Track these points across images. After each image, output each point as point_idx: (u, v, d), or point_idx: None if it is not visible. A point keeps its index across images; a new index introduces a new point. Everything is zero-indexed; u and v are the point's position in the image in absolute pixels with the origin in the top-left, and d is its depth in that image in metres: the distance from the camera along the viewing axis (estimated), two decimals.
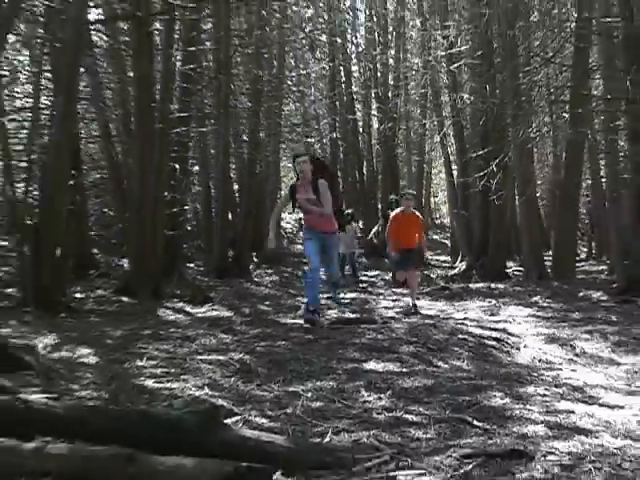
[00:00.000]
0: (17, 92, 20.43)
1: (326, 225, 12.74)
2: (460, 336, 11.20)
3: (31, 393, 6.63)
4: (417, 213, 16.29)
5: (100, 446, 5.03)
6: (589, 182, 26.40)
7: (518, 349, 10.67)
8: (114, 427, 5.47)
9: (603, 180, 24.64)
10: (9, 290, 14.01)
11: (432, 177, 36.94)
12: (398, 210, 16.26)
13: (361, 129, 33.11)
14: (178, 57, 17.82)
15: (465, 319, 13.48)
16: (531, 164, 23.56)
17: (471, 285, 20.14)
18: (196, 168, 22.06)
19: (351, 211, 24.17)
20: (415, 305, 15.17)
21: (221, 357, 9.49)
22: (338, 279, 13.10)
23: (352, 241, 21.57)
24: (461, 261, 25.63)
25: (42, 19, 16.57)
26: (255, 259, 23.02)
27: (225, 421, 5.80)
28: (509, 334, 11.77)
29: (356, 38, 33.55)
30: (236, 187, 23.11)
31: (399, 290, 18.87)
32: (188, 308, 14.15)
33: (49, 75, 16.08)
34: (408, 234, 15.55)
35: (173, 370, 8.79)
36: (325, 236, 12.76)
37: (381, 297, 17.73)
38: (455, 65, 24.22)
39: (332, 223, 12.73)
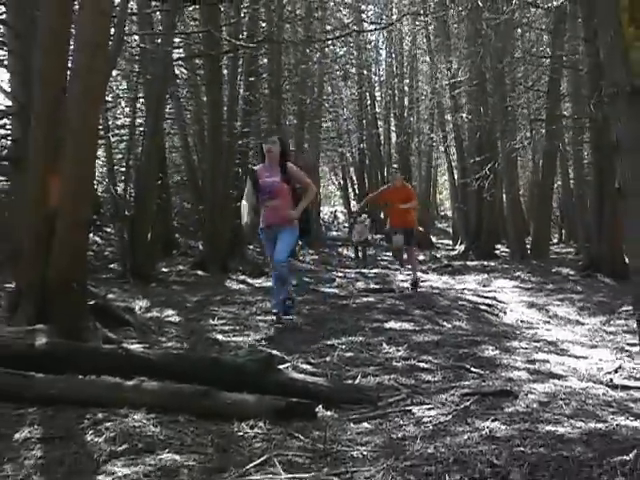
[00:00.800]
0: (118, 114, 20.48)
1: (282, 217, 9.19)
2: (460, 302, 11.18)
3: (130, 343, 6.69)
4: (408, 186, 14.47)
5: (183, 384, 5.06)
6: (560, 183, 26.33)
7: (505, 312, 10.64)
8: (193, 370, 5.50)
9: (571, 182, 24.67)
10: (112, 265, 14.08)
11: (438, 179, 36.75)
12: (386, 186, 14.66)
13: (382, 141, 32.99)
14: (241, 85, 17.80)
15: (464, 289, 13.46)
16: (515, 169, 23.47)
17: (468, 263, 20.08)
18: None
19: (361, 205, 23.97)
20: (416, 282, 13.27)
21: (274, 317, 9.51)
22: (285, 274, 9.15)
23: (364, 230, 20.63)
24: (460, 244, 25.57)
25: (137, 57, 16.60)
26: (300, 242, 23.02)
27: (278, 367, 5.79)
28: (498, 301, 11.73)
29: (379, 70, 33.50)
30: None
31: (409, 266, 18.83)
32: (248, 280, 14.20)
33: (142, 100, 16.12)
34: (400, 211, 13.19)
35: (237, 327, 8.84)
36: (279, 228, 9.28)
37: (398, 272, 17.65)
38: (456, 91, 24.24)
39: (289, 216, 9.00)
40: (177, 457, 4.12)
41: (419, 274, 15.96)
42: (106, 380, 5.13)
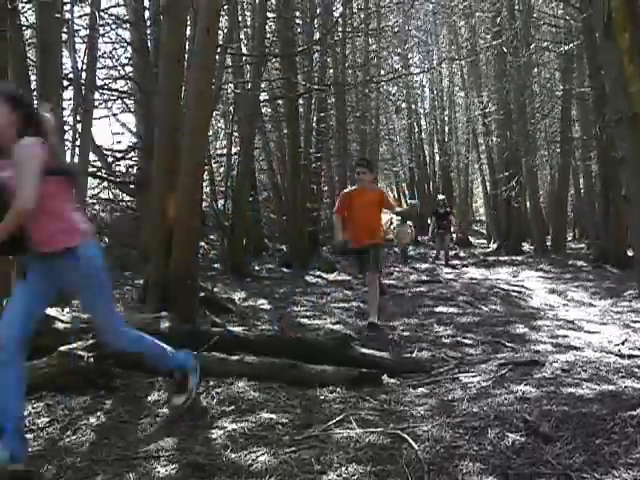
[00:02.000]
0: (218, 145, 20.74)
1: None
2: (495, 290, 11.06)
3: (233, 326, 6.77)
4: (377, 188, 9.30)
5: (275, 359, 5.10)
6: (573, 192, 25.89)
7: (531, 297, 10.46)
8: (283, 347, 5.54)
9: (582, 190, 24.28)
10: (216, 265, 14.25)
11: (473, 190, 36.29)
12: (352, 188, 8.30)
13: (428, 161, 32.75)
14: (314, 120, 17.87)
15: (497, 279, 13.26)
16: (536, 181, 23.11)
17: (500, 258, 19.79)
18: (325, 188, 22.07)
19: (402, 210, 23.46)
20: (374, 324, 7.32)
21: (346, 305, 9.54)
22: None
23: (405, 235, 19.20)
24: (493, 243, 25.21)
25: (232, 100, 16.79)
26: None
27: (351, 344, 5.81)
28: (525, 288, 11.55)
29: (424, 104, 33.26)
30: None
31: (455, 262, 18.64)
32: (323, 275, 14.21)
33: (236, 134, 16.29)
34: (364, 224, 7.58)
35: (316, 313, 8.86)
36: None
37: (442, 267, 17.44)
38: (487, 119, 24.00)
39: (63, 231, 3.50)
40: (272, 415, 4.17)
41: (463, 269, 15.81)
42: (215, 355, 5.20)
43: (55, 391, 4.43)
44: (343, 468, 3.26)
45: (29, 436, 3.73)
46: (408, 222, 19.51)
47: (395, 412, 4.26)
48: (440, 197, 20.20)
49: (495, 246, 24.09)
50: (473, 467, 3.23)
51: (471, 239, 28.26)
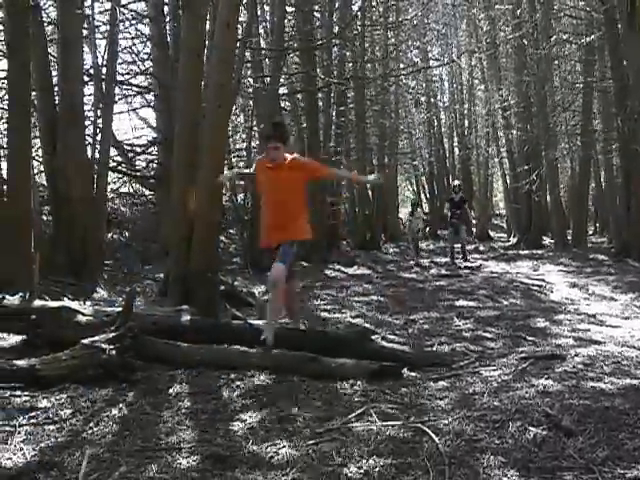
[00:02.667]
0: (237, 139, 20.77)
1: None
2: (515, 284, 11.00)
3: (253, 320, 6.77)
4: (299, 159, 5.87)
5: (295, 352, 5.10)
6: (593, 185, 25.70)
7: (552, 291, 10.38)
8: (303, 341, 5.53)
9: (603, 183, 24.08)
10: (235, 259, 14.28)
11: (493, 184, 36.10)
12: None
13: (447, 155, 32.61)
14: (333, 114, 17.85)
15: (518, 273, 13.17)
16: (557, 174, 22.85)
17: (520, 252, 19.64)
18: (344, 182, 22.03)
19: (414, 197, 21.83)
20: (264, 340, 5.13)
21: (365, 298, 9.53)
22: None
23: (417, 225, 16.79)
24: (513, 237, 25.03)
25: (251, 95, 16.81)
26: (383, 237, 22.85)
27: (371, 337, 5.79)
28: (546, 282, 11.45)
29: (443, 97, 33.04)
30: (370, 192, 22.93)
31: (470, 262, 18.49)
32: (343, 269, 14.19)
33: (255, 128, 16.31)
34: (279, 208, 5.62)
35: (336, 306, 8.85)
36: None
37: (461, 261, 17.34)
38: (507, 112, 23.80)
39: None
40: (293, 408, 4.18)
41: (482, 262, 15.65)
42: (236, 348, 5.22)
43: (78, 383, 4.46)
44: (364, 461, 3.25)
45: (52, 427, 3.77)
46: (419, 211, 17.60)
47: (416, 405, 4.24)
48: (455, 183, 18.10)
49: (515, 240, 23.93)
50: (494, 461, 3.21)
51: (491, 233, 28.09)
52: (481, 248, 22.03)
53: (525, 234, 22.98)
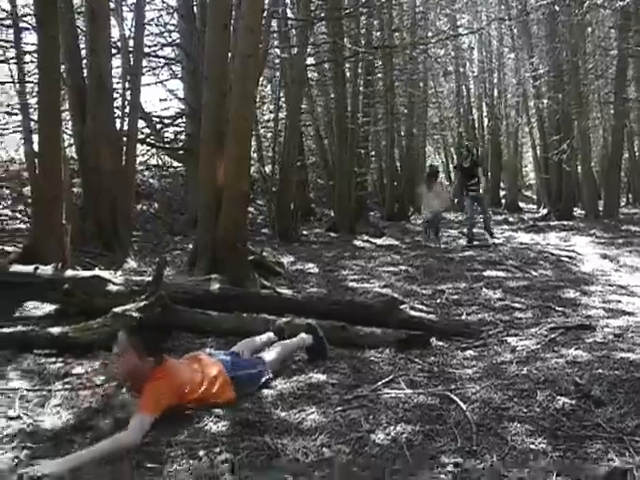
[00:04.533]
0: (265, 110, 20.74)
1: None
2: (545, 255, 10.89)
3: (281, 289, 6.82)
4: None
5: (324, 320, 5.13)
6: (626, 155, 25.30)
7: (582, 262, 10.26)
8: (332, 310, 5.57)
9: (637, 153, 23.67)
10: (264, 230, 14.33)
11: (523, 155, 35.70)
12: None
13: (476, 125, 32.24)
14: (360, 83, 17.69)
15: (547, 244, 13.03)
16: (589, 144, 22.49)
17: (550, 223, 19.44)
18: (373, 153, 21.94)
19: (437, 165, 18.30)
20: None
21: (394, 268, 9.51)
22: None
23: (438, 204, 13.43)
24: (543, 208, 24.78)
25: (278, 65, 16.74)
26: (411, 208, 22.74)
27: (399, 306, 5.80)
28: (576, 253, 11.32)
29: (472, 67, 32.56)
30: (398, 164, 22.80)
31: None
32: (371, 239, 14.15)
33: (283, 99, 16.27)
34: None
35: (364, 276, 8.86)
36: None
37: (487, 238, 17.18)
38: (537, 81, 23.41)
39: None
40: (322, 376, 4.21)
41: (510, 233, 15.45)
42: (264, 317, 5.26)
43: (110, 350, 4.53)
44: (392, 427, 3.28)
45: (86, 392, 3.85)
46: (438, 182, 14.11)
47: (444, 374, 4.26)
48: (463, 143, 15.69)
49: (545, 211, 23.70)
50: (522, 428, 3.23)
51: (520, 204, 27.84)
52: (510, 219, 21.85)
53: (555, 205, 22.73)
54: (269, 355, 4.21)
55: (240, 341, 4.42)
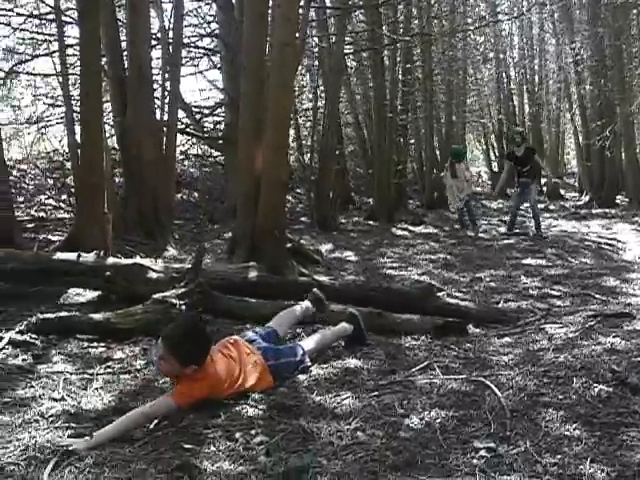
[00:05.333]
0: (304, 99, 20.77)
1: None
2: (585, 243, 10.78)
3: (319, 276, 6.86)
4: None
5: (361, 307, 5.15)
6: None
7: (624, 251, 10.12)
8: (369, 296, 5.61)
9: None
10: (303, 219, 14.39)
11: (564, 141, 35.15)
12: None
13: (517, 112, 31.81)
14: (399, 71, 17.58)
15: (589, 232, 12.85)
16: (632, 130, 22.04)
17: (592, 211, 19.15)
18: (412, 141, 21.80)
19: (460, 147, 16.86)
20: None
21: (432, 256, 9.51)
22: None
23: (459, 189, 12.76)
24: (585, 195, 24.37)
25: (316, 54, 16.73)
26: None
27: (436, 293, 5.80)
28: (618, 241, 11.16)
29: (512, 53, 32.08)
30: (437, 152, 22.62)
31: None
32: (410, 227, 14.11)
33: (322, 88, 16.27)
34: None
35: (402, 264, 8.88)
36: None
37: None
38: (579, 67, 23.02)
39: None
40: (358, 362, 4.24)
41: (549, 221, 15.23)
42: None
43: (150, 336, 4.62)
44: (426, 412, 3.30)
45: (127, 376, 3.95)
46: (462, 167, 13.02)
47: (479, 360, 4.26)
48: (516, 130, 13.87)
49: (587, 198, 23.29)
50: (557, 415, 3.21)
51: (562, 192, 27.39)
52: (552, 207, 21.56)
53: (598, 192, 22.34)
54: (308, 344, 4.25)
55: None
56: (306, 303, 4.70)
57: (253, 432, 3.12)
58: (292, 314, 4.53)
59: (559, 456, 2.79)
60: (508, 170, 12.63)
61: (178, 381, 3.48)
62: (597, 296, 6.33)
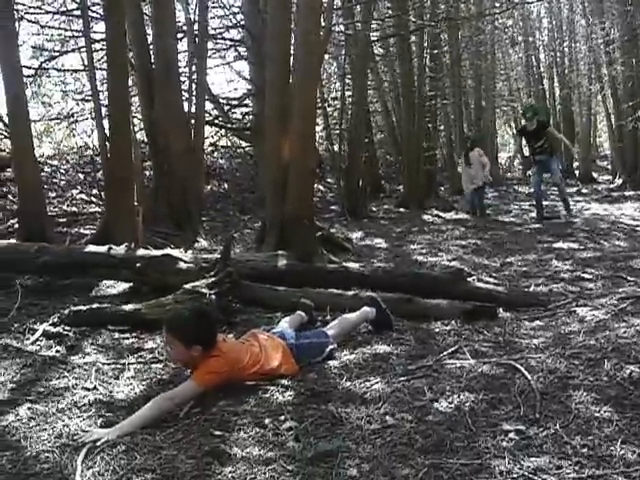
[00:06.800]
0: (331, 88, 20.74)
1: None
2: (618, 225, 10.62)
3: (349, 264, 6.86)
4: None
5: (390, 293, 5.15)
6: None
7: None
8: (398, 282, 5.60)
9: None
10: (333, 207, 14.40)
11: (597, 124, 34.63)
12: None
13: (547, 95, 31.40)
14: (427, 57, 17.43)
15: (621, 215, 12.65)
16: None
17: (625, 193, 18.84)
18: (442, 127, 21.65)
19: (471, 134, 16.24)
20: None
21: (462, 242, 9.45)
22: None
23: (478, 173, 12.88)
24: (618, 178, 23.96)
25: (343, 42, 16.66)
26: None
27: (466, 278, 5.77)
28: None
29: (541, 36, 31.65)
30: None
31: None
32: (440, 214, 14.00)
33: (349, 76, 16.20)
34: None
35: (432, 250, 8.84)
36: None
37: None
38: (610, 47, 22.63)
39: None
40: (387, 347, 4.25)
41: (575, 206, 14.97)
42: (331, 291, 5.33)
43: None
44: (455, 396, 3.29)
45: (158, 366, 4.00)
46: (475, 154, 13.05)
47: (509, 344, 4.23)
48: (527, 104, 12.77)
49: (620, 181, 22.91)
50: (587, 397, 3.19)
51: (594, 175, 27.01)
52: (584, 190, 21.28)
53: (631, 175, 21.98)
54: (331, 329, 4.28)
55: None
56: (299, 312, 4.71)
57: (282, 418, 3.14)
58: (295, 319, 4.59)
59: (589, 437, 2.77)
60: (517, 145, 12.60)
61: (194, 366, 3.50)
62: (630, 278, 6.24)
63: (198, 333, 3.49)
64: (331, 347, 4.05)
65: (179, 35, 11.47)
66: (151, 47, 9.97)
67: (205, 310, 3.79)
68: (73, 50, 13.94)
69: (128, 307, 4.92)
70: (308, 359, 3.88)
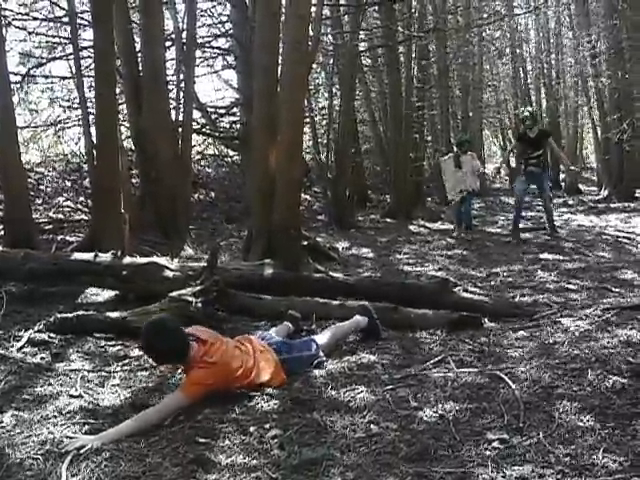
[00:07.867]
0: (319, 98, 20.79)
1: None
2: (603, 237, 10.70)
3: (335, 273, 6.87)
4: None
5: (376, 302, 5.17)
6: None
7: None
8: (384, 292, 5.62)
9: None
10: (320, 217, 14.41)
11: (583, 136, 34.89)
12: None
13: (534, 107, 31.62)
14: (414, 68, 17.52)
15: (607, 226, 12.73)
16: None
17: (611, 205, 18.98)
18: (429, 137, 21.73)
19: (465, 137, 13.63)
20: None
21: (448, 252, 9.50)
22: None
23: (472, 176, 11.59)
24: (604, 190, 24.13)
25: (331, 52, 16.72)
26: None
27: (451, 288, 5.80)
28: (637, 235, 11.06)
29: (529, 47, 31.87)
30: (454, 148, 22.53)
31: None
32: (427, 224, 14.03)
33: (337, 86, 16.24)
34: None
35: (419, 260, 8.87)
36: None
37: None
38: (596, 60, 22.85)
39: None
40: (372, 357, 4.27)
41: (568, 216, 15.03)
42: (317, 300, 5.34)
43: None
44: (439, 405, 3.32)
45: (143, 373, 4.00)
46: (467, 157, 11.75)
47: (494, 354, 4.27)
48: (526, 111, 11.58)
49: (606, 193, 23.08)
50: (571, 406, 3.22)
51: (581, 186, 27.19)
52: (570, 202, 21.41)
53: (616, 187, 22.15)
54: (322, 338, 4.29)
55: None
56: (287, 323, 4.74)
57: (267, 426, 3.16)
58: (284, 329, 4.63)
59: (572, 447, 2.80)
60: (519, 154, 12.15)
61: (185, 370, 3.53)
62: (614, 289, 6.30)
63: (162, 356, 3.58)
64: (320, 359, 4.06)
65: (167, 43, 11.47)
66: (139, 55, 9.98)
67: (163, 326, 3.59)
68: (61, 57, 13.88)
69: (114, 315, 4.92)
70: (296, 371, 3.90)
